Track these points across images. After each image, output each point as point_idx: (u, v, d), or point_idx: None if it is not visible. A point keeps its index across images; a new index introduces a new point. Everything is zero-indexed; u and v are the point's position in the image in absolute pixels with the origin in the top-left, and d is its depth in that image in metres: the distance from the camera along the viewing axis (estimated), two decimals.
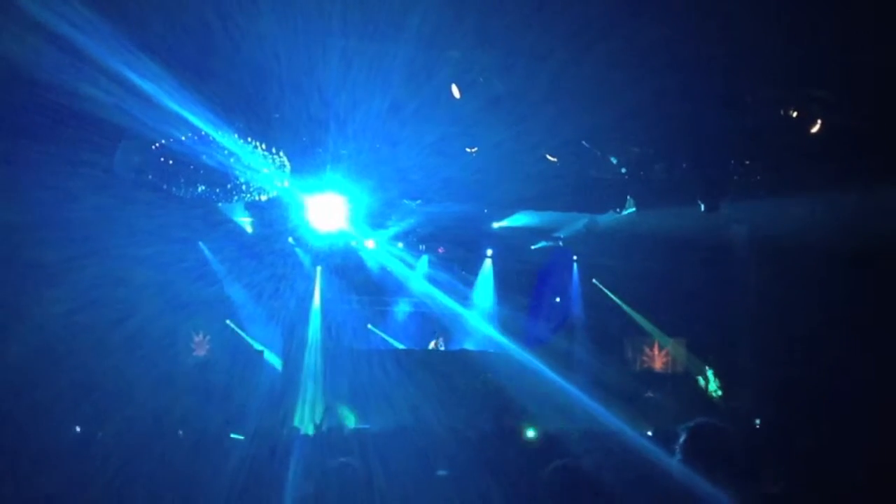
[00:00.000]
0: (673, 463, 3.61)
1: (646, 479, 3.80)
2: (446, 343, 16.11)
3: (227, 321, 14.09)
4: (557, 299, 16.01)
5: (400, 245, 15.15)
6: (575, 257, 15.96)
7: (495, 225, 14.80)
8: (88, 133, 8.20)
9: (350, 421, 12.68)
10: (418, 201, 12.18)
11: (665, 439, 3.86)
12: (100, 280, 9.28)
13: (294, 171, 10.13)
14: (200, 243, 13.34)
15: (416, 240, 15.09)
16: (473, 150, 10.11)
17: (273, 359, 14.24)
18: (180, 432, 7.41)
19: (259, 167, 9.76)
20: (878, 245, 10.04)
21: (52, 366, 8.66)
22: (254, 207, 12.07)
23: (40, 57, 6.79)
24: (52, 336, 8.77)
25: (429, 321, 16.29)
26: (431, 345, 15.99)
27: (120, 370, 9.41)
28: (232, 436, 7.90)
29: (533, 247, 15.93)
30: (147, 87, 7.59)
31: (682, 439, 3.63)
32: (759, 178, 10.50)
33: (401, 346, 15.87)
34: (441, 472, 5.67)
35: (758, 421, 11.80)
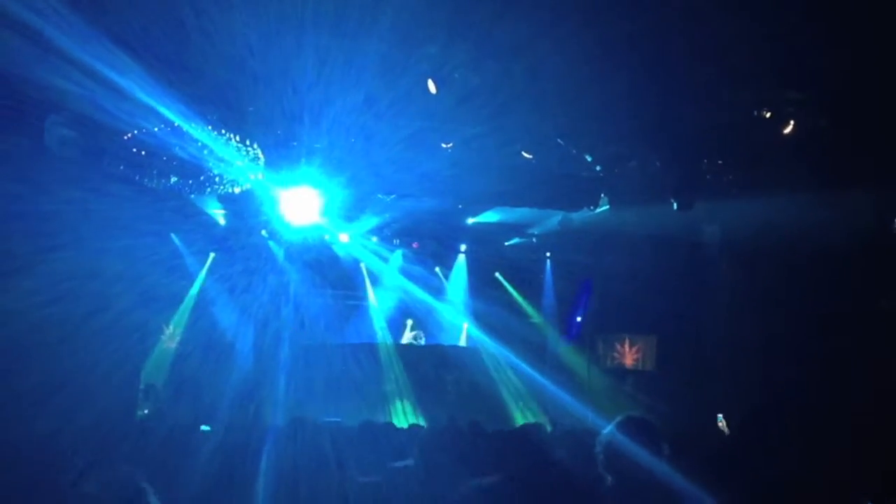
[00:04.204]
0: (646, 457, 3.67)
1: (619, 473, 3.83)
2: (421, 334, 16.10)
3: (200, 314, 13.99)
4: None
5: (374, 239, 15.14)
6: (548, 254, 16.02)
7: (470, 220, 14.84)
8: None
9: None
10: (393, 196, 12.19)
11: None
12: (70, 273, 9.16)
13: (268, 163, 10.08)
14: (173, 236, 13.23)
15: (390, 234, 15.08)
16: (448, 145, 10.13)
17: (246, 352, 14.17)
18: (152, 426, 7.37)
19: (232, 159, 9.70)
20: (850, 244, 10.16)
21: (20, 359, 8.55)
22: (227, 200, 12.00)
23: (9, 48, 6.70)
24: (21, 329, 8.65)
25: (402, 315, 16.28)
26: (409, 337, 15.94)
27: (90, 364, 9.30)
28: (203, 428, 7.86)
29: (507, 243, 15.99)
30: (119, 78, 7.52)
31: (607, 431, 3.74)
32: (731, 177, 10.60)
33: (374, 341, 15.85)
34: (404, 463, 5.67)
35: (720, 416, 11.90)
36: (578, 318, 15.96)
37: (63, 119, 8.24)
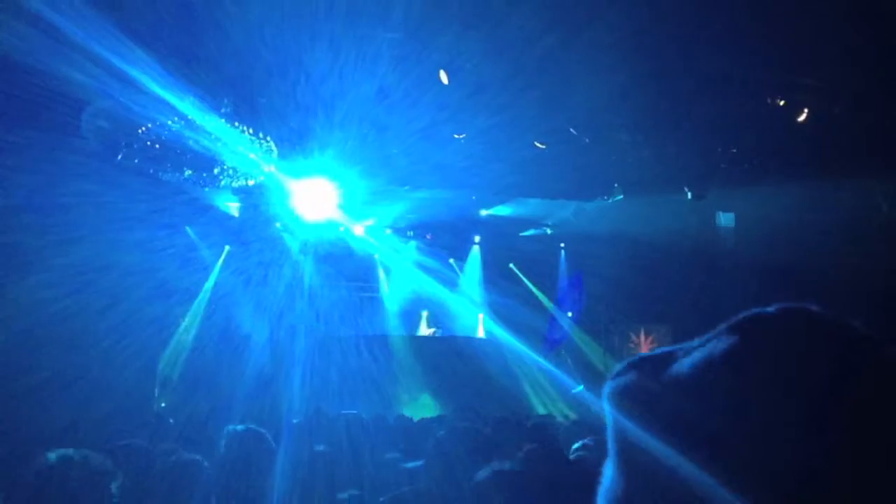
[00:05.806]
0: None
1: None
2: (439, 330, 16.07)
3: (215, 308, 14.01)
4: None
5: (388, 231, 15.12)
6: (562, 245, 15.97)
7: (483, 212, 14.80)
8: (74, 117, 8.14)
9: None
10: (406, 187, 12.17)
11: None
12: (86, 266, 9.21)
13: (281, 156, 10.10)
14: (187, 228, 13.25)
15: (404, 226, 15.07)
16: (461, 136, 10.10)
17: (261, 346, 14.18)
18: (171, 420, 7.38)
19: (246, 152, 9.72)
20: (866, 231, 10.08)
21: (37, 353, 8.60)
22: (241, 193, 12.01)
23: (23, 41, 6.72)
24: (37, 323, 8.70)
25: (417, 307, 16.26)
26: (428, 332, 15.90)
27: (107, 357, 9.36)
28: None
29: (521, 234, 15.95)
30: (133, 71, 7.53)
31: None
32: (745, 166, 10.53)
33: (389, 333, 15.84)
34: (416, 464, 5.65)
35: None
36: (570, 314, 15.92)
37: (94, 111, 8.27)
